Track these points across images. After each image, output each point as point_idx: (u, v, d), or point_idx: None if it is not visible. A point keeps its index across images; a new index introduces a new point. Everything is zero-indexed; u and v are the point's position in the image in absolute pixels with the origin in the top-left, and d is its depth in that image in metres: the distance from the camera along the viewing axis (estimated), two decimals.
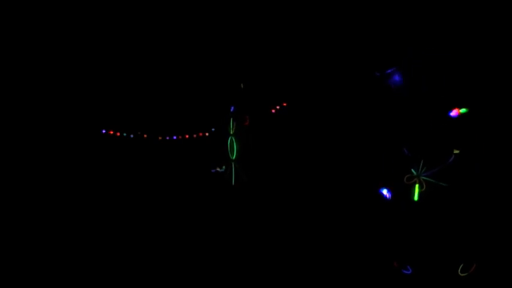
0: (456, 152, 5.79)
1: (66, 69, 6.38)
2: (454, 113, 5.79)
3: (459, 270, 5.80)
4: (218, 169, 6.39)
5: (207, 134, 6.44)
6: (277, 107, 6.42)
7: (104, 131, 6.42)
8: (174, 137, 6.43)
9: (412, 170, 5.87)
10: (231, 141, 6.35)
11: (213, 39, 6.44)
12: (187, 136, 6.43)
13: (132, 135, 6.42)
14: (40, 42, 6.32)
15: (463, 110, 5.80)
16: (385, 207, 6.01)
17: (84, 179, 6.36)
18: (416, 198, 5.85)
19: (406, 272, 5.89)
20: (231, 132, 6.37)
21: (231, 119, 6.34)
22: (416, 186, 5.85)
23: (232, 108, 6.38)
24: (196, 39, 6.44)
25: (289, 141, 6.41)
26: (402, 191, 5.94)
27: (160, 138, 6.42)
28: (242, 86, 6.40)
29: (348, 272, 6.02)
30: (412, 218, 5.93)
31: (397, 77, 5.85)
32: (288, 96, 6.44)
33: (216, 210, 6.36)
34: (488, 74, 6.10)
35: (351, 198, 6.21)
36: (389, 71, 5.95)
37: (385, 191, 5.98)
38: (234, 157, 6.33)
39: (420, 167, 5.85)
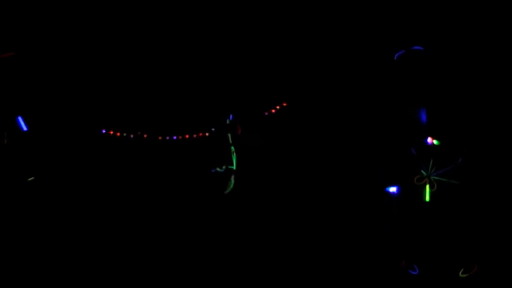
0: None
1: (66, 70, 6.38)
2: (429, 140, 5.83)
3: (460, 272, 5.81)
4: (218, 169, 6.38)
5: (207, 134, 6.43)
6: (277, 107, 6.43)
7: (103, 131, 6.41)
8: (174, 137, 6.42)
9: (422, 170, 5.86)
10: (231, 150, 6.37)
11: (212, 38, 6.45)
12: (187, 136, 6.43)
13: (132, 135, 6.41)
14: (40, 42, 6.32)
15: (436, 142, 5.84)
16: (392, 207, 6.01)
17: (84, 179, 6.35)
18: (427, 198, 5.84)
19: (413, 272, 5.89)
20: (230, 142, 6.38)
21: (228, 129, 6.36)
22: (427, 186, 5.84)
23: (231, 116, 6.39)
24: (195, 39, 6.44)
25: (291, 142, 6.42)
26: (410, 191, 5.93)
27: (160, 138, 6.41)
28: (231, 93, 6.43)
29: (354, 272, 6.04)
30: (420, 218, 5.93)
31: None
32: (289, 96, 6.45)
33: (216, 211, 6.35)
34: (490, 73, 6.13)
35: (357, 198, 6.23)
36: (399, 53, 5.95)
37: (392, 189, 5.96)
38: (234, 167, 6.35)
39: (430, 167, 5.84)
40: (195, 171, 6.40)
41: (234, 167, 6.30)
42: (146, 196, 6.36)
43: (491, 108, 6.16)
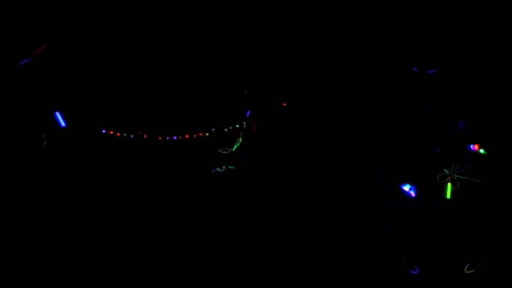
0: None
1: (65, 69, 6.39)
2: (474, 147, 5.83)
3: (465, 268, 5.80)
4: (218, 169, 6.37)
5: (207, 134, 6.42)
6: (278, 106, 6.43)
7: (103, 131, 6.40)
8: (174, 137, 6.41)
9: (445, 169, 5.87)
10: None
11: (212, 38, 6.44)
12: (187, 136, 6.42)
13: (132, 135, 6.40)
14: (39, 41, 6.33)
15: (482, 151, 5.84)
16: (395, 206, 6.01)
17: (84, 179, 6.35)
18: (449, 196, 5.85)
19: (413, 272, 5.89)
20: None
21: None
22: (449, 184, 5.86)
23: (248, 112, 6.38)
24: (196, 39, 6.44)
25: (292, 141, 6.41)
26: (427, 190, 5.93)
27: (160, 138, 6.40)
28: (246, 93, 6.41)
29: (354, 272, 6.02)
30: (434, 217, 5.92)
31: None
32: (294, 95, 6.43)
33: (216, 211, 6.34)
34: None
35: (357, 198, 6.21)
36: (430, 71, 5.95)
37: (407, 187, 5.96)
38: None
39: (452, 166, 5.85)
40: (195, 171, 6.39)
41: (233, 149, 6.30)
42: (146, 196, 6.36)
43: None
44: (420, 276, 5.89)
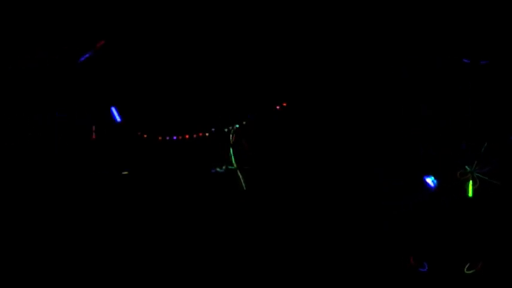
0: None
1: (65, 69, 6.39)
2: None
3: (465, 268, 5.80)
4: (218, 169, 6.37)
5: (207, 134, 6.42)
6: (278, 107, 6.41)
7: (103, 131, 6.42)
8: (174, 137, 6.41)
9: (466, 166, 5.85)
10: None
11: (212, 38, 6.44)
12: (187, 136, 6.42)
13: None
14: (39, 41, 6.34)
15: None
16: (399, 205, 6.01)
17: (83, 179, 6.35)
18: (470, 194, 5.84)
19: (422, 269, 5.89)
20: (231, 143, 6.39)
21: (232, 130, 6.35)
22: (470, 182, 5.84)
23: (249, 116, 6.38)
24: (196, 38, 6.44)
25: (294, 141, 6.41)
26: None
27: (160, 138, 6.40)
28: (245, 91, 6.41)
29: (355, 271, 6.02)
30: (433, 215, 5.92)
31: None
32: (294, 95, 6.43)
33: (216, 211, 6.34)
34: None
35: (358, 198, 6.21)
36: (483, 62, 5.91)
37: (429, 180, 5.95)
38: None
39: (474, 163, 5.84)
40: (195, 171, 6.39)
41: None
42: (146, 196, 6.36)
43: None
44: (420, 276, 5.90)
